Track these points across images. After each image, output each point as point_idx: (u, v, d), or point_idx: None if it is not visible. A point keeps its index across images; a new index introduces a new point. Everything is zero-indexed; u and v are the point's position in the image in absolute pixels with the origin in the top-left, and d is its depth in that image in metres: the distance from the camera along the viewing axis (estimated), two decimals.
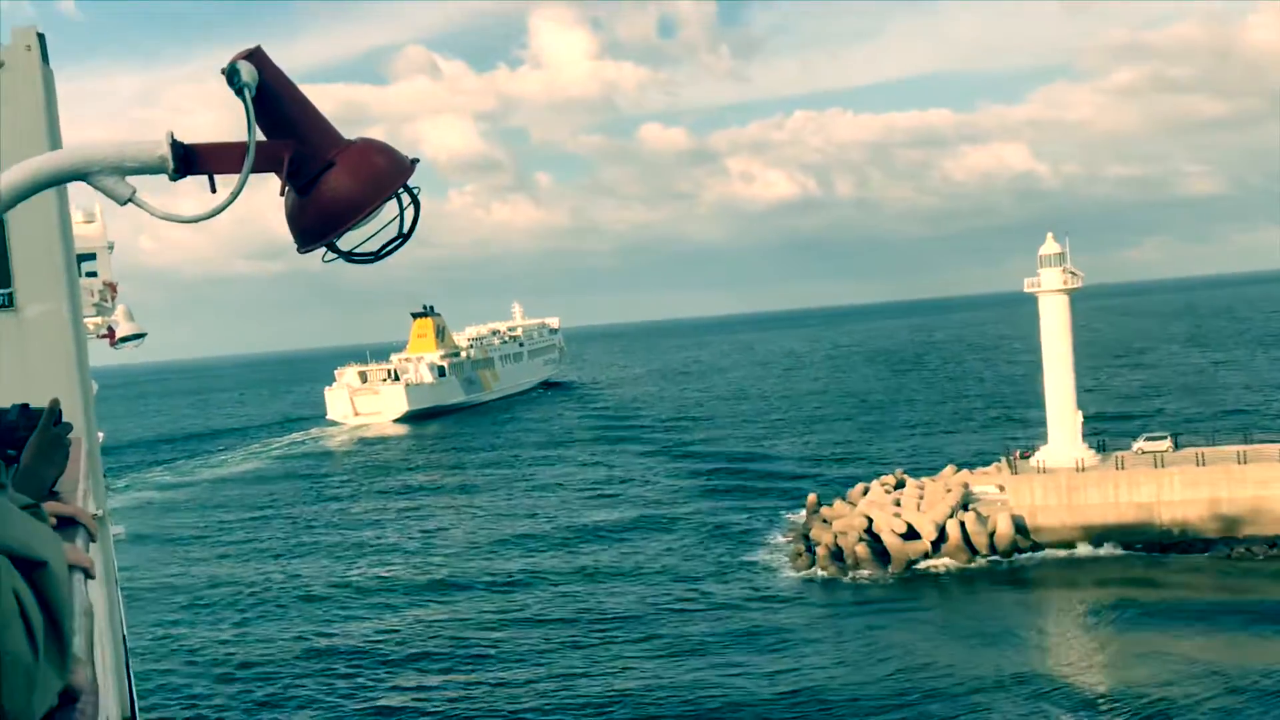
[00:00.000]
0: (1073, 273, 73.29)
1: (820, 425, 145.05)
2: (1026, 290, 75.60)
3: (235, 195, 4.12)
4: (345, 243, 4.36)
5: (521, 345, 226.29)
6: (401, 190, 4.36)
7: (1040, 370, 77.28)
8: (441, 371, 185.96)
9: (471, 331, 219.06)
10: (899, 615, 61.27)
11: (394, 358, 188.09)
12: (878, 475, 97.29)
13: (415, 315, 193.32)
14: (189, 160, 4.12)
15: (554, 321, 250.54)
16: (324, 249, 4.35)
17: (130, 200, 4.06)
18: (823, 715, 47.34)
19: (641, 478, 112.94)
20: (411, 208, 4.41)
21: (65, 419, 4.14)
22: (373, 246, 4.41)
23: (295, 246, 4.39)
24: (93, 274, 46.78)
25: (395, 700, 52.13)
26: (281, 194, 4.32)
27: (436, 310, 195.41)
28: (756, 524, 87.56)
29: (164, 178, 4.18)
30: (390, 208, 4.35)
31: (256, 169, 4.12)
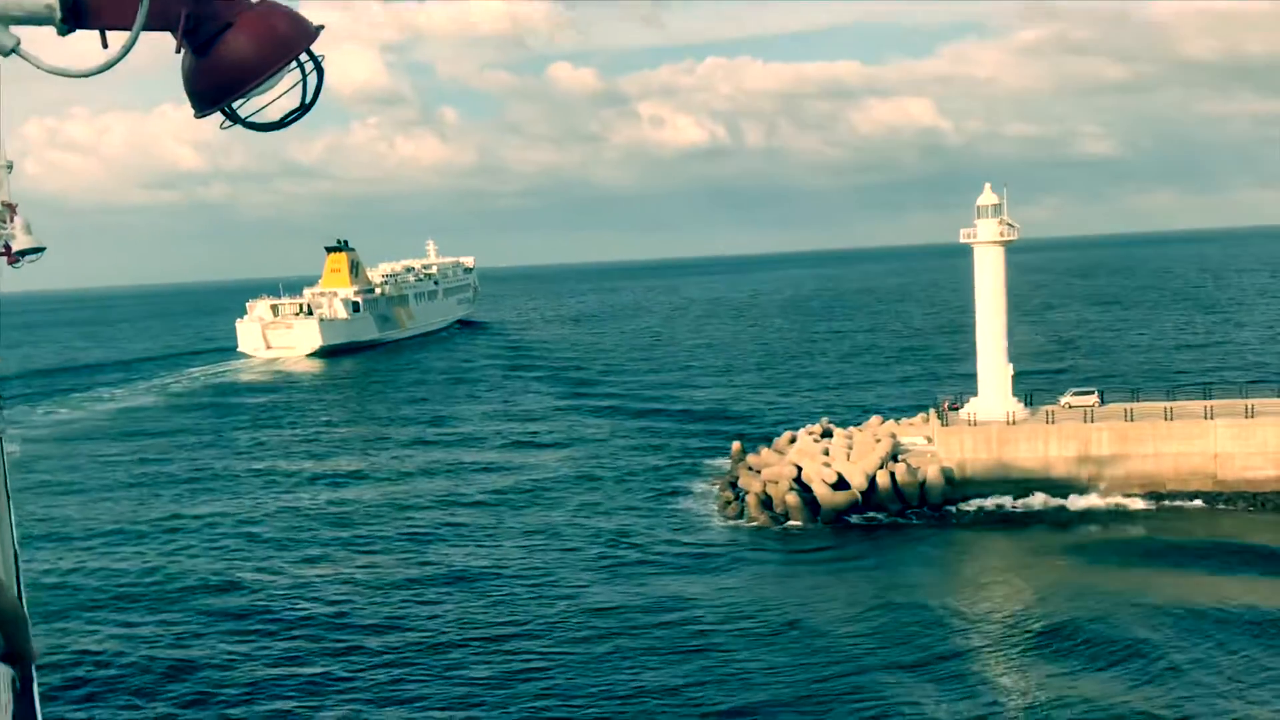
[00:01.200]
0: (1010, 224, 72.58)
1: (736, 373, 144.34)
2: (962, 241, 74.73)
3: (127, 49, 3.89)
4: (244, 111, 4.20)
5: (436, 284, 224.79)
6: (304, 58, 4.20)
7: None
8: (356, 307, 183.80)
9: (385, 268, 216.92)
10: (830, 565, 60.44)
11: (307, 292, 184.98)
12: (799, 424, 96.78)
13: (329, 249, 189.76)
14: (78, 11, 3.90)
15: (469, 261, 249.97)
16: (221, 115, 4.19)
17: (14, 51, 3.87)
18: (760, 666, 46.09)
19: (560, 422, 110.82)
20: (314, 75, 4.26)
21: None
22: (273, 116, 4.27)
23: (191, 111, 4.22)
24: None
25: (313, 665, 49.49)
26: (178, 53, 4.12)
27: (350, 245, 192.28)
28: (679, 472, 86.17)
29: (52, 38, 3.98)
30: (291, 76, 4.19)
31: (150, 26, 3.89)
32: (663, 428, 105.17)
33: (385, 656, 48.47)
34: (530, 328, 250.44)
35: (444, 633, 51.26)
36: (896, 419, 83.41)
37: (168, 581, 61.19)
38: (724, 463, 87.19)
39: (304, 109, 4.31)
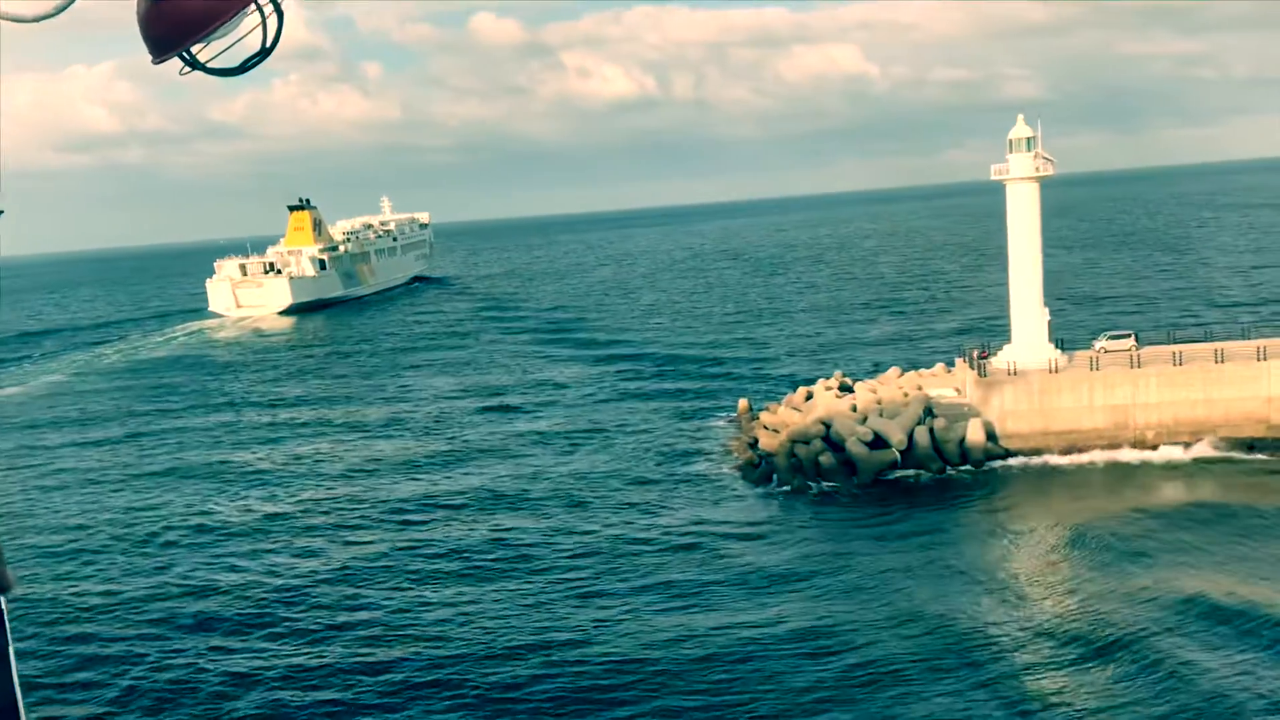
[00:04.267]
0: (1046, 159, 67.78)
1: (710, 329, 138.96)
2: (994, 178, 69.90)
3: None
4: (203, 55, 4.05)
5: (395, 240, 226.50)
6: (264, 1, 4.00)
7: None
8: (322, 265, 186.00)
9: (345, 225, 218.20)
10: (873, 529, 55.83)
11: (271, 250, 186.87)
12: (796, 379, 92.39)
13: (292, 208, 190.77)
14: None
15: (424, 217, 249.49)
16: (179, 61, 4.03)
17: None
18: (823, 640, 41.24)
19: (541, 382, 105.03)
20: (274, 18, 4.06)
21: None
22: (233, 61, 4.13)
23: (150, 58, 4.06)
24: None
25: (286, 654, 43.68)
26: None
27: (313, 203, 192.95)
28: (681, 433, 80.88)
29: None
30: (250, 19, 4.00)
31: None
32: (648, 385, 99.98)
33: (358, 639, 42.75)
34: (485, 283, 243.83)
35: (436, 623, 45.66)
36: (917, 370, 78.96)
37: (143, 530, 54.95)
38: (722, 422, 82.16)
39: (265, 53, 4.11)
